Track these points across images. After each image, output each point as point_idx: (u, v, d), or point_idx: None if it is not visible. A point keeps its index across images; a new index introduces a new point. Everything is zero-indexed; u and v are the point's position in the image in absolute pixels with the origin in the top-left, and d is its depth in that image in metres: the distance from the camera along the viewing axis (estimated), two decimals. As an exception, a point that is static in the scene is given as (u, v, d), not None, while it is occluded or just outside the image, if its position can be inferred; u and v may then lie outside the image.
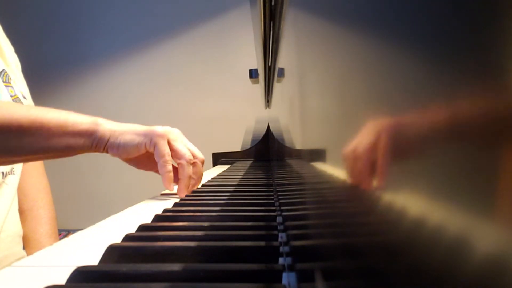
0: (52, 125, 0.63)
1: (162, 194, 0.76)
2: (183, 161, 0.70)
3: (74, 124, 0.65)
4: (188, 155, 0.71)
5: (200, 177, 0.75)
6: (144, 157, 0.71)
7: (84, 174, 2.59)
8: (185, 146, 0.71)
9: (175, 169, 0.72)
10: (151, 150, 0.68)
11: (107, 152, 0.68)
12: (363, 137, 0.13)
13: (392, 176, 0.11)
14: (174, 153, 0.70)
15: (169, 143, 0.69)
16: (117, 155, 0.68)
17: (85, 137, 0.65)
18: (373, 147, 0.12)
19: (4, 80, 0.77)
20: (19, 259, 0.39)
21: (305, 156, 0.30)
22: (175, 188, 0.73)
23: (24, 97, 0.82)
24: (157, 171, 0.73)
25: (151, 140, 0.67)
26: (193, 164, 0.72)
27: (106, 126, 0.67)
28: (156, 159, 0.69)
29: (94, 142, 0.66)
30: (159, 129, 0.69)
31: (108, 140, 0.66)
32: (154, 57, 2.56)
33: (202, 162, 0.75)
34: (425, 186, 0.09)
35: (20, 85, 0.84)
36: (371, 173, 0.13)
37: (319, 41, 0.21)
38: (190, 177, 0.72)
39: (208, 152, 1.61)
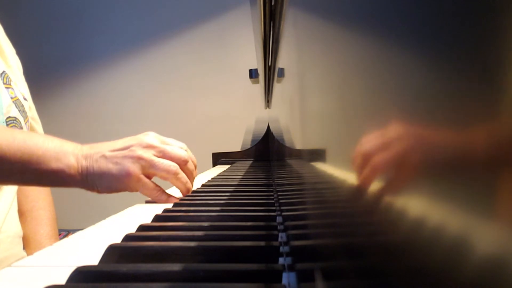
0: (14, 160, 0.57)
1: (146, 202, 0.70)
2: (170, 177, 0.65)
3: (38, 162, 0.58)
4: (183, 155, 0.66)
5: (192, 176, 0.70)
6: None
7: (84, 174, 2.58)
8: (171, 148, 0.66)
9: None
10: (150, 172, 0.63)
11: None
12: (364, 136, 0.13)
13: (392, 176, 0.11)
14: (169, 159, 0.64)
15: (157, 156, 0.63)
16: (102, 193, 0.63)
17: (51, 177, 0.59)
18: (372, 147, 0.12)
19: (5, 82, 0.77)
20: (19, 259, 0.39)
21: (305, 156, 0.30)
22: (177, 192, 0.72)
23: (25, 99, 0.82)
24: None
25: (129, 185, 0.61)
26: (185, 165, 0.68)
27: (75, 163, 0.60)
28: (163, 178, 0.64)
29: (66, 183, 0.60)
30: (137, 151, 0.61)
31: (83, 183, 0.60)
32: (154, 57, 2.56)
33: (187, 162, 0.68)
34: (425, 186, 0.09)
35: (21, 86, 0.84)
36: (371, 172, 0.13)
37: (319, 41, 0.21)
38: (192, 175, 0.69)
39: (208, 152, 1.62)
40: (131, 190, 0.64)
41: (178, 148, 0.67)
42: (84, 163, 0.60)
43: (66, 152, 0.60)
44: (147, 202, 0.70)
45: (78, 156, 0.60)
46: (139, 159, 0.61)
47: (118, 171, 0.61)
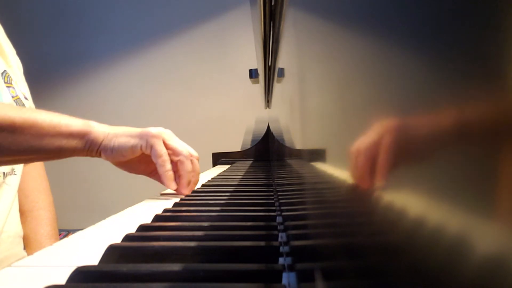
0: (45, 125, 0.62)
1: (162, 194, 0.75)
2: (182, 158, 0.70)
3: (67, 125, 0.64)
4: (186, 151, 0.71)
5: (198, 173, 0.75)
6: (136, 160, 0.70)
7: (84, 174, 2.59)
8: (180, 145, 0.71)
9: (174, 167, 0.71)
10: (147, 152, 0.68)
11: (99, 156, 0.67)
12: (364, 136, 0.13)
13: (392, 175, 0.11)
14: (172, 151, 0.69)
15: (164, 143, 0.69)
16: (111, 158, 0.67)
17: (78, 139, 0.64)
18: (373, 147, 0.12)
19: (6, 81, 0.77)
20: (19, 259, 0.39)
21: (305, 156, 0.30)
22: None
23: (26, 98, 0.83)
24: (148, 174, 0.73)
25: (147, 141, 0.67)
26: (191, 161, 0.72)
27: (99, 128, 0.66)
28: (154, 159, 0.68)
29: (87, 145, 0.65)
30: (153, 130, 0.68)
31: (101, 143, 0.66)
32: (154, 57, 2.56)
33: (198, 159, 0.74)
34: (425, 186, 0.09)
35: (22, 86, 0.84)
36: (371, 172, 0.13)
37: (319, 41, 0.21)
38: (190, 172, 0.71)
39: (208, 152, 1.62)
40: (145, 151, 0.68)
41: (181, 145, 0.72)
42: (108, 128, 0.68)
43: (88, 121, 0.67)
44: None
45: (101, 124, 0.68)
46: (159, 133, 0.69)
47: (138, 130, 0.69)
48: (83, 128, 0.65)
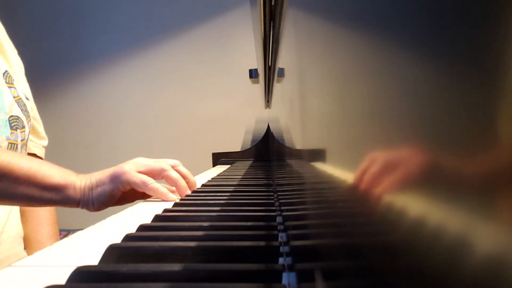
0: (20, 174, 0.60)
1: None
2: (165, 172, 0.70)
3: (44, 176, 0.62)
4: (165, 164, 0.70)
5: (186, 176, 0.75)
6: (122, 197, 0.69)
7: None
8: (155, 163, 0.70)
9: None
10: (127, 189, 0.67)
11: (83, 208, 0.66)
12: (363, 137, 0.13)
13: (392, 175, 0.11)
14: (152, 173, 0.69)
15: (140, 172, 0.68)
16: (97, 209, 0.66)
17: (53, 193, 0.63)
18: (372, 147, 0.12)
19: (7, 81, 0.77)
20: (20, 259, 0.39)
21: (305, 156, 0.30)
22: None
23: (27, 98, 0.83)
24: (141, 198, 0.72)
25: (121, 182, 0.66)
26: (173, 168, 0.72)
27: (77, 183, 0.65)
28: (141, 190, 0.68)
29: (64, 200, 0.64)
30: (123, 167, 0.67)
31: (80, 198, 0.64)
32: (154, 57, 2.56)
33: (178, 166, 0.74)
34: (425, 186, 0.09)
35: (23, 86, 0.85)
36: (370, 172, 0.13)
37: (319, 41, 0.21)
38: (179, 180, 0.72)
39: (208, 152, 1.62)
40: (124, 190, 0.67)
41: (153, 161, 0.71)
42: (84, 181, 0.66)
43: (68, 172, 0.66)
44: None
45: (79, 176, 0.66)
46: (129, 169, 0.68)
47: (109, 172, 0.67)
48: (59, 183, 0.63)
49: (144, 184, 0.67)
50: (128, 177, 0.66)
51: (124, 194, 0.68)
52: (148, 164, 0.69)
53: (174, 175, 0.71)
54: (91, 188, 0.65)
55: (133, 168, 0.67)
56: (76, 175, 0.66)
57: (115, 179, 0.66)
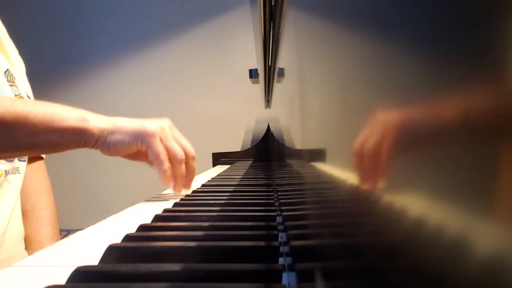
0: (37, 121, 0.60)
1: (160, 195, 0.75)
2: (174, 162, 0.70)
3: (61, 120, 0.62)
4: (180, 155, 0.70)
5: (193, 172, 0.74)
6: (134, 154, 0.69)
7: (84, 174, 2.59)
8: (177, 143, 0.70)
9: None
10: (143, 149, 0.67)
11: (96, 149, 0.66)
12: (364, 136, 0.13)
13: (392, 175, 0.11)
14: (167, 151, 0.69)
15: (161, 141, 0.68)
16: (107, 153, 0.67)
17: (73, 135, 0.63)
18: (373, 146, 0.12)
19: (9, 79, 0.77)
20: (21, 260, 0.39)
21: (305, 156, 0.30)
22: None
23: (28, 97, 0.83)
24: (148, 163, 0.71)
25: (142, 141, 0.66)
26: (185, 162, 0.72)
27: (95, 123, 0.65)
28: (150, 158, 0.68)
29: (83, 141, 0.64)
30: (150, 126, 0.67)
31: (97, 139, 0.65)
32: (154, 57, 2.56)
33: (193, 159, 0.74)
34: (425, 186, 0.09)
35: (24, 86, 0.85)
36: (371, 172, 0.13)
37: (319, 41, 0.21)
38: (182, 176, 0.71)
39: (208, 152, 1.62)
40: (140, 149, 0.67)
41: (178, 144, 0.71)
42: (104, 122, 0.66)
43: (84, 111, 0.66)
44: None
45: (97, 116, 0.67)
46: (155, 131, 0.68)
47: (135, 125, 0.67)
48: (78, 124, 0.63)
49: (158, 160, 0.67)
50: (151, 140, 0.66)
51: (137, 151, 0.68)
52: (169, 145, 0.68)
53: (180, 172, 0.70)
54: (111, 132, 0.65)
55: (158, 134, 0.67)
56: (93, 114, 0.66)
57: (138, 135, 0.66)
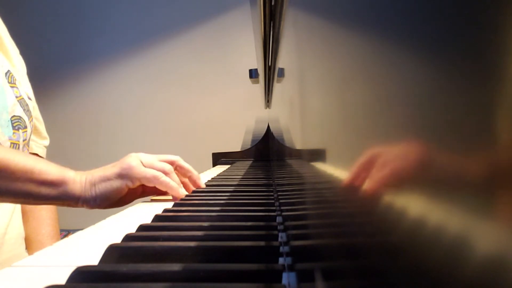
0: (17, 169, 0.59)
1: (152, 200, 0.73)
2: (167, 174, 0.69)
3: (41, 172, 0.60)
4: (168, 168, 0.69)
5: (188, 170, 0.74)
6: (123, 197, 0.67)
7: (84, 174, 2.58)
8: (158, 161, 0.69)
9: None
10: (135, 186, 0.66)
11: (83, 206, 0.64)
12: (363, 137, 0.13)
13: (392, 175, 0.11)
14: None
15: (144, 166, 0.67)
16: (97, 207, 0.64)
17: (50, 188, 0.61)
18: (372, 147, 0.12)
19: (10, 81, 0.77)
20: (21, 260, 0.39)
21: (305, 156, 0.30)
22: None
23: (29, 98, 0.83)
24: (140, 197, 0.71)
25: (132, 179, 0.64)
26: (175, 168, 0.72)
27: (76, 178, 0.63)
28: (151, 184, 0.67)
29: (62, 196, 0.62)
30: (130, 162, 0.65)
31: (80, 196, 0.63)
32: (154, 57, 2.56)
33: (179, 161, 0.73)
34: (425, 186, 0.09)
35: (25, 86, 0.85)
36: (370, 172, 0.13)
37: (319, 41, 0.21)
38: (180, 182, 0.72)
39: (208, 152, 1.62)
40: (132, 187, 0.66)
41: (158, 161, 0.70)
42: (85, 176, 0.64)
43: (66, 169, 0.64)
44: (152, 200, 0.72)
45: (78, 172, 0.65)
46: (137, 163, 0.66)
47: (114, 170, 0.65)
48: (57, 178, 0.61)
49: (156, 178, 0.65)
50: (138, 171, 0.64)
51: (128, 191, 0.67)
52: (152, 163, 0.68)
53: (176, 179, 0.70)
54: (93, 183, 0.63)
55: (139, 164, 0.66)
56: (74, 171, 0.64)
57: (124, 175, 0.64)
